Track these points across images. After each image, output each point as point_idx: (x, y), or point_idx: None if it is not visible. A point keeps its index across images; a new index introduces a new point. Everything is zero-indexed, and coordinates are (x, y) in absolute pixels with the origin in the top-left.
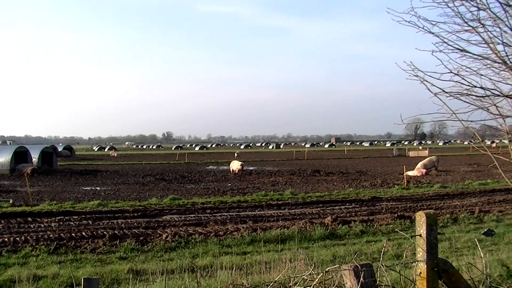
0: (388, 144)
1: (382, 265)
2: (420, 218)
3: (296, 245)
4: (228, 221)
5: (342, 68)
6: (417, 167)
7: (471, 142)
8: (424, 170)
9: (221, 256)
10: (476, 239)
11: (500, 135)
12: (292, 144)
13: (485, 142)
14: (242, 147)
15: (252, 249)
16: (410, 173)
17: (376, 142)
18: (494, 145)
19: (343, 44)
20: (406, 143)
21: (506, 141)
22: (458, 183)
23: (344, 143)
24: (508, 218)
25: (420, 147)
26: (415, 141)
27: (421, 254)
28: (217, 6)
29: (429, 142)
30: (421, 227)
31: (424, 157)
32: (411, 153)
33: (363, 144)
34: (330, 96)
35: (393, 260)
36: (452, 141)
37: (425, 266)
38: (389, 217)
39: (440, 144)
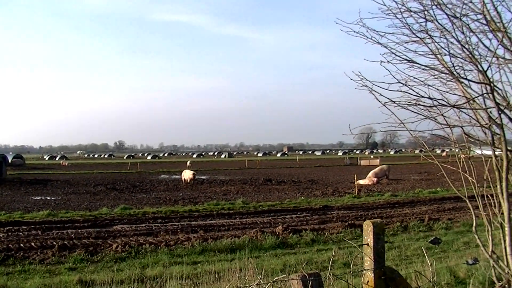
0: (340, 153)
1: (330, 275)
2: (367, 227)
3: (247, 254)
4: (179, 230)
5: (296, 78)
6: (368, 176)
7: (422, 151)
8: (375, 179)
9: (171, 266)
10: (423, 248)
11: (449, 144)
12: (245, 153)
13: (435, 151)
14: (194, 156)
15: (203, 259)
16: (361, 181)
17: (328, 151)
18: (444, 154)
19: (297, 54)
20: (358, 152)
21: (456, 150)
22: (408, 191)
23: (297, 152)
24: (457, 226)
25: (372, 156)
26: (366, 150)
27: (368, 263)
28: (171, 15)
29: (380, 151)
30: (368, 236)
31: (376, 166)
32: (363, 162)
33: (315, 153)
34: (283, 105)
35: (343, 269)
36: (403, 150)
37: (373, 275)
38: (340, 225)
39: (392, 153)
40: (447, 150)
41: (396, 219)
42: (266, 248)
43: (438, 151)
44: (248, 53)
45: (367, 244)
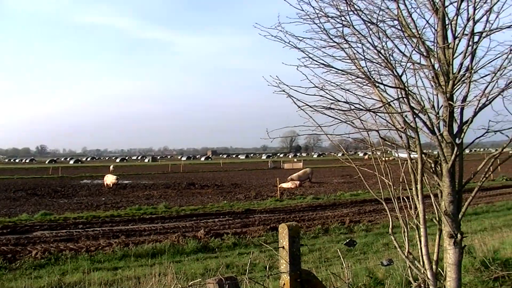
0: (264, 157)
1: (246, 278)
2: (283, 231)
3: (169, 259)
4: (100, 236)
5: (220, 81)
6: (291, 178)
7: (347, 154)
8: (298, 182)
9: (92, 272)
10: (341, 250)
11: (367, 147)
12: (169, 157)
13: (358, 154)
14: (118, 160)
15: (123, 264)
16: (284, 185)
17: (252, 155)
18: (366, 157)
19: (222, 58)
20: (281, 155)
21: (374, 153)
22: (330, 194)
23: (220, 155)
24: (377, 228)
25: (295, 160)
26: (290, 154)
27: (284, 265)
28: (96, 18)
29: (304, 155)
30: (283, 239)
31: (299, 169)
32: (286, 166)
33: (239, 156)
34: (208, 109)
35: (264, 272)
36: (326, 154)
37: (289, 278)
38: (262, 229)
39: (315, 156)
40: (369, 153)
41: (318, 221)
42: (188, 253)
43: (361, 154)
44: (173, 56)
45: (283, 247)
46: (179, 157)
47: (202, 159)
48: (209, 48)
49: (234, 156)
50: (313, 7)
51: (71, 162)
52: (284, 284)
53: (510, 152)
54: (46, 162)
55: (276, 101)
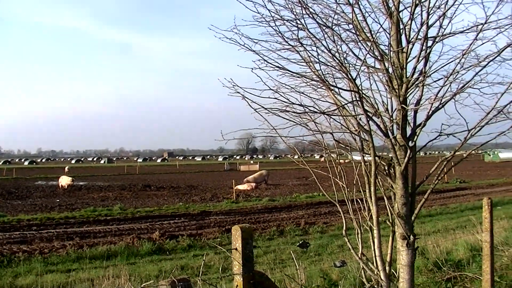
0: (220, 159)
1: (199, 280)
2: (236, 232)
3: (123, 261)
4: (54, 238)
5: (178, 83)
6: (247, 181)
7: (301, 156)
8: (254, 184)
9: (45, 275)
10: (295, 251)
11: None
12: (125, 158)
13: (314, 157)
14: (73, 161)
15: (77, 267)
16: (240, 187)
17: (208, 157)
18: (322, 159)
19: (181, 60)
20: (238, 157)
21: (328, 156)
22: (286, 196)
23: (177, 157)
24: (332, 230)
25: (252, 162)
26: (246, 156)
27: (237, 267)
28: (55, 19)
29: (260, 157)
30: (236, 241)
31: (255, 171)
32: (242, 168)
33: (195, 158)
34: (165, 111)
35: (219, 274)
36: (283, 156)
37: (241, 279)
38: (217, 230)
39: (271, 158)
40: (325, 155)
41: (273, 223)
42: (143, 255)
43: (317, 157)
44: (130, 58)
45: (236, 249)
46: (135, 159)
47: (159, 160)
48: (167, 50)
49: (190, 158)
50: (268, 10)
51: (26, 163)
52: (237, 285)
53: (464, 155)
54: (0, 163)
55: (233, 103)
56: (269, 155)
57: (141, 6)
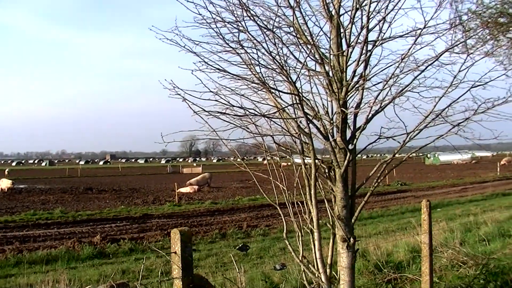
0: (163, 161)
1: (139, 285)
2: (175, 236)
3: (63, 265)
4: None
5: (122, 84)
6: (190, 183)
7: (244, 159)
8: (197, 187)
9: None
10: (235, 255)
11: (270, 152)
12: (67, 160)
13: (257, 159)
14: (13, 164)
15: (17, 272)
16: (183, 190)
17: (151, 159)
18: (265, 162)
19: (126, 60)
20: (181, 160)
21: (268, 158)
22: (229, 199)
23: (120, 160)
24: (274, 232)
25: (195, 164)
26: (190, 158)
27: (176, 271)
28: None
29: (203, 159)
30: (176, 245)
31: (198, 174)
32: (185, 170)
33: (138, 161)
34: (107, 113)
35: (161, 277)
36: (226, 158)
37: (181, 283)
38: (160, 234)
39: (214, 161)
40: (269, 158)
41: (216, 226)
42: (83, 259)
43: (260, 159)
44: (72, 59)
45: (175, 253)
46: (77, 161)
47: (101, 163)
48: (110, 50)
49: (133, 160)
50: (210, 11)
51: None
52: None
53: (406, 157)
54: None
55: (176, 105)
56: (212, 158)
57: (84, 5)
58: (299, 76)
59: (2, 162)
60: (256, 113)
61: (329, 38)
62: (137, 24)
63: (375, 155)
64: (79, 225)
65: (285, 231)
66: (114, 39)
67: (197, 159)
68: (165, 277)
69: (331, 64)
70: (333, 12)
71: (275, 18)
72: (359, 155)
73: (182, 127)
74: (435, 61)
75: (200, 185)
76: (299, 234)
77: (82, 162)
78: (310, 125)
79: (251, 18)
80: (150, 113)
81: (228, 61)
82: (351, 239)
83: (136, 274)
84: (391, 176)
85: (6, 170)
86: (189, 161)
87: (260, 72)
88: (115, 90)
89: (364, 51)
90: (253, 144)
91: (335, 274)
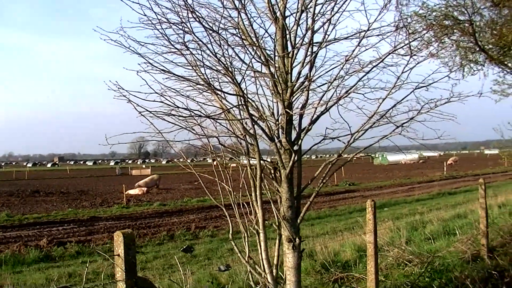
0: (112, 163)
1: None
2: (118, 238)
3: (9, 270)
4: None
5: (71, 87)
6: (138, 185)
7: (193, 160)
8: (145, 189)
9: None
10: (176, 257)
11: (217, 154)
12: (13, 163)
13: (207, 160)
14: None
15: None
16: (131, 192)
17: (100, 161)
18: (215, 163)
19: (77, 63)
20: (130, 162)
21: (227, 159)
22: (177, 200)
23: (68, 162)
24: (223, 233)
25: (144, 166)
26: (139, 160)
27: (120, 273)
28: None
29: (153, 161)
30: (119, 247)
31: (147, 176)
32: (134, 172)
33: (87, 163)
34: (55, 115)
35: (107, 280)
36: (175, 160)
37: (124, 286)
38: (107, 236)
39: (164, 162)
40: (218, 159)
41: (164, 228)
42: (29, 263)
43: (210, 161)
44: (23, 60)
45: (118, 255)
46: (25, 164)
47: (49, 165)
48: (59, 53)
49: (82, 162)
50: (155, 12)
51: None
52: None
53: (351, 157)
54: None
55: (124, 106)
56: (162, 159)
57: (40, 10)
58: (244, 77)
59: None
60: (201, 114)
61: (275, 39)
62: (85, 26)
63: (324, 155)
64: (26, 229)
65: (231, 232)
66: (66, 42)
67: (147, 160)
68: (110, 279)
69: (276, 66)
70: (278, 14)
71: (221, 19)
72: (307, 156)
73: (130, 129)
74: (379, 62)
75: (149, 187)
76: (245, 235)
77: (29, 165)
78: (256, 126)
79: (197, 19)
80: (99, 114)
81: (174, 62)
82: (297, 239)
83: (83, 277)
84: (340, 176)
85: None
86: (138, 162)
87: (205, 74)
88: (65, 93)
89: (309, 53)
90: (200, 145)
91: (282, 275)
